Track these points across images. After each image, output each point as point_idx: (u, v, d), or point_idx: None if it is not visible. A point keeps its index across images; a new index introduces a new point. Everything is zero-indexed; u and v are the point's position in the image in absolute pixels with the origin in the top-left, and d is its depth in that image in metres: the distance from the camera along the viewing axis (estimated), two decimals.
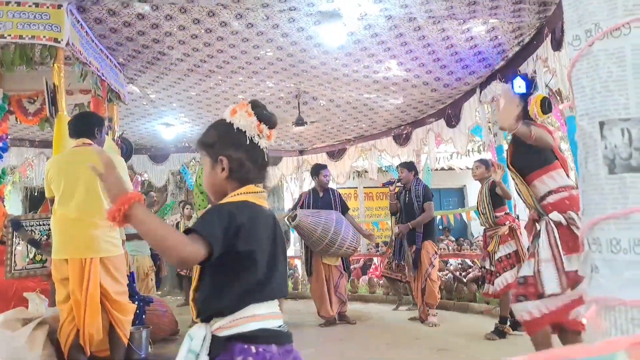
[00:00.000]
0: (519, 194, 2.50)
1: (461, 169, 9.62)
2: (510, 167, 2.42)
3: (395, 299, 5.67)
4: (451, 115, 5.52)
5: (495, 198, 3.88)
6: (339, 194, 4.92)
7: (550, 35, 3.54)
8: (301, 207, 4.75)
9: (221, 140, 1.20)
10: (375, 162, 7.13)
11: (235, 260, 1.10)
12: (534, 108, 2.36)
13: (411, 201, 4.65)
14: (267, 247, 1.16)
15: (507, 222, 3.84)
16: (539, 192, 2.33)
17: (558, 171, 2.32)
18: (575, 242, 2.06)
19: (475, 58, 4.42)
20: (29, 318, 2.55)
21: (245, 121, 1.18)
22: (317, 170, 4.88)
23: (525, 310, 2.16)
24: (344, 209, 4.80)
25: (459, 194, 11.02)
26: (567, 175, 2.36)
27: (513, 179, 2.50)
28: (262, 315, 1.10)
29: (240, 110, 1.19)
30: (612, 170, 0.74)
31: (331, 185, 5.33)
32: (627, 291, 0.74)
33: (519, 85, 2.55)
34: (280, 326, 1.13)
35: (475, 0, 3.40)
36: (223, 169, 1.18)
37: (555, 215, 2.20)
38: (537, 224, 2.33)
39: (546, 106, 2.39)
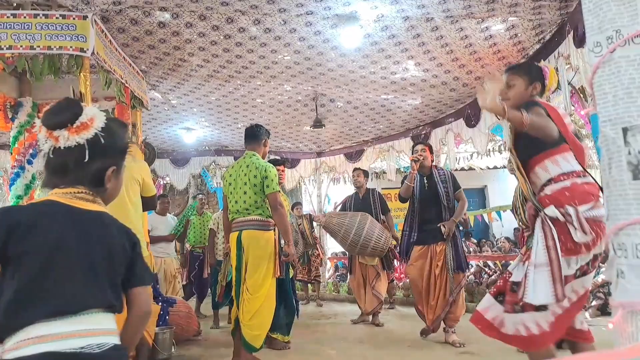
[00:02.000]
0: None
1: (482, 168, 9.47)
2: (512, 151, 2.03)
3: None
4: (471, 114, 5.45)
5: None
6: (380, 195, 4.99)
7: (572, 32, 3.47)
8: (343, 209, 5.00)
9: None
10: (393, 163, 7.10)
11: (10, 268, 0.95)
12: (553, 81, 2.09)
13: (434, 186, 3.92)
14: (61, 253, 0.97)
15: None
16: (540, 180, 1.94)
17: (564, 155, 1.91)
18: (573, 243, 1.75)
19: (495, 57, 4.36)
20: None
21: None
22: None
23: (521, 323, 1.79)
24: (384, 210, 4.90)
25: (480, 194, 10.83)
26: (583, 164, 1.95)
27: (511, 164, 2.07)
28: (53, 335, 0.93)
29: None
30: (636, 175, 0.74)
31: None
32: None
33: None
34: (83, 347, 0.94)
35: None
36: None
37: (551, 211, 1.82)
38: (536, 219, 1.94)
39: None
